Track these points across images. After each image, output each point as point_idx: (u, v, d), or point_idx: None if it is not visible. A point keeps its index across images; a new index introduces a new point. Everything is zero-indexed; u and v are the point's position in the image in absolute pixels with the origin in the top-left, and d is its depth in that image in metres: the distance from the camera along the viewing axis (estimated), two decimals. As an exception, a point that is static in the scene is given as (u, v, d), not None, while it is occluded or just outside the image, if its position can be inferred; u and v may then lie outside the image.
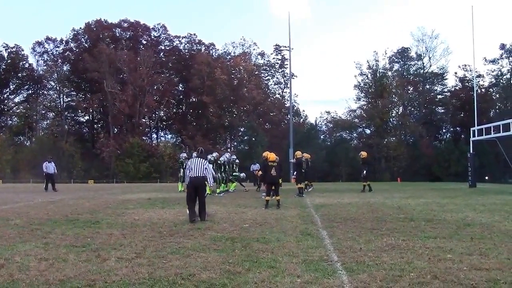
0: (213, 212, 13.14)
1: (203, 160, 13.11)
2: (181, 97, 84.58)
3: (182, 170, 25.93)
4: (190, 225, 11.57)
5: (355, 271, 6.61)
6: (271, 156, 17.33)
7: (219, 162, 24.86)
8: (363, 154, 27.04)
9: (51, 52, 79.92)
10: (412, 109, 78.19)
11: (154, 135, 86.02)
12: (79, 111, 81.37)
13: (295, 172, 23.82)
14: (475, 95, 40.64)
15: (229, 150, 70.40)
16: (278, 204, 16.35)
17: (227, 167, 25.76)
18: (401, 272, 6.53)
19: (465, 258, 7.40)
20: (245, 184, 29.81)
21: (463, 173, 44.81)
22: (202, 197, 12.73)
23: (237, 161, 28.19)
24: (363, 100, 77.27)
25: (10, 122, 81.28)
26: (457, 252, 7.95)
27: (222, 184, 25.04)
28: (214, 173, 23.45)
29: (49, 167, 29.58)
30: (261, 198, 20.50)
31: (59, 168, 67.55)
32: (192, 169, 12.70)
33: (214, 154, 25.54)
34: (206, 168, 12.83)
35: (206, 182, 13.18)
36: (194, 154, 17.50)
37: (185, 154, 27.63)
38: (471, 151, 35.75)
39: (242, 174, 29.40)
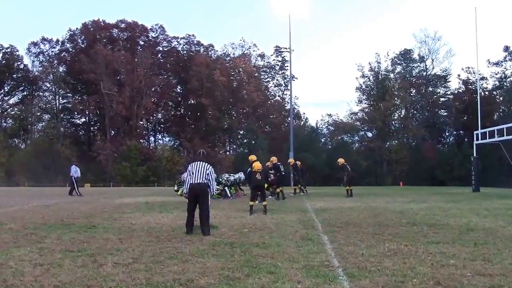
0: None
1: (206, 164, 11.57)
2: (179, 99, 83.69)
3: None
4: (188, 230, 11.35)
5: (356, 277, 6.61)
6: (257, 165, 17.39)
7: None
8: (340, 161, 26.86)
9: (46, 53, 79.46)
10: (415, 112, 77.38)
11: (152, 138, 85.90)
12: (75, 113, 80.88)
13: (273, 177, 23.46)
14: (478, 98, 40.22)
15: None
16: (265, 209, 16.06)
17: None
18: (404, 278, 6.54)
19: (469, 264, 7.41)
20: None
21: (466, 177, 44.07)
22: (204, 207, 11.28)
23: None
24: (365, 103, 76.77)
25: (5, 124, 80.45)
26: (460, 257, 7.95)
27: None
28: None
29: (78, 171, 29.32)
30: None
31: (54, 171, 68.42)
32: (193, 174, 11.29)
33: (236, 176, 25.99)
34: (209, 173, 11.36)
35: (208, 190, 11.64)
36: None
37: None
38: (475, 155, 35.45)
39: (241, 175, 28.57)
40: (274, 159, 24.36)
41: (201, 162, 11.54)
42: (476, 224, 12.46)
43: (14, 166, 68.88)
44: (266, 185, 20.37)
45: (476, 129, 36.28)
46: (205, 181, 11.28)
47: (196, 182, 11.22)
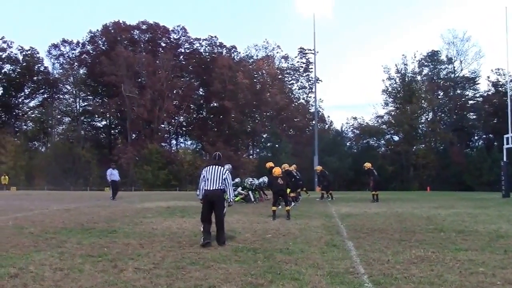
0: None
1: (221, 168, 10.61)
2: (202, 102, 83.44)
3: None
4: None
5: (382, 284, 6.60)
6: (277, 170, 17.05)
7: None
8: (366, 165, 26.31)
9: (67, 55, 79.72)
10: (442, 115, 76.39)
11: (174, 141, 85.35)
12: (96, 116, 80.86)
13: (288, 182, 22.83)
14: (508, 100, 38.93)
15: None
16: (288, 215, 15.53)
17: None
18: (431, 285, 6.51)
19: (498, 272, 7.25)
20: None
21: (495, 182, 44.19)
22: (220, 215, 10.34)
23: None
24: (391, 106, 75.60)
25: (25, 127, 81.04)
26: (490, 265, 7.81)
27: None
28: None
29: (115, 174, 29.13)
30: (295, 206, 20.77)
31: (74, 175, 68.48)
32: (208, 179, 10.32)
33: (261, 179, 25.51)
34: (225, 178, 10.39)
35: (225, 196, 10.73)
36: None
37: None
38: (505, 159, 34.57)
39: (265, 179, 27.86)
40: (285, 166, 23.87)
41: (217, 166, 10.59)
42: (507, 231, 12.16)
43: (34, 169, 69.11)
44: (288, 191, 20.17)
45: (506, 133, 35.51)
46: (221, 187, 10.37)
47: (211, 188, 10.30)
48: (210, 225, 10.19)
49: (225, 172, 10.48)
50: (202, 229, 10.18)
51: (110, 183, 28.94)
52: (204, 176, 10.43)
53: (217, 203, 10.30)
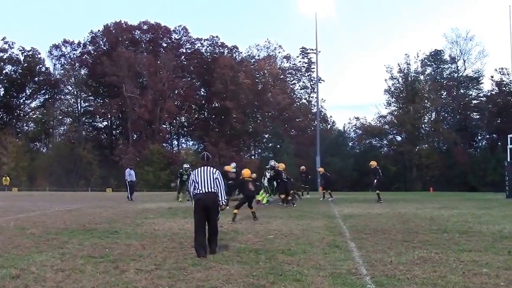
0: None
1: (213, 169, 9.65)
2: (203, 102, 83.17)
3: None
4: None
5: (385, 285, 6.57)
6: (246, 172, 16.93)
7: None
8: (372, 163, 26.17)
9: (68, 55, 79.86)
10: (446, 115, 76.35)
11: (175, 142, 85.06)
12: (97, 116, 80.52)
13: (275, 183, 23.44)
14: None
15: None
16: (254, 215, 15.65)
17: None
18: (434, 286, 6.50)
19: (502, 273, 7.20)
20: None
21: (499, 182, 42.93)
22: (213, 221, 9.43)
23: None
24: (394, 106, 75.35)
25: (26, 128, 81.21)
26: (493, 266, 7.78)
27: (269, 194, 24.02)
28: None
29: (132, 174, 29.30)
30: (283, 206, 21.24)
31: (76, 175, 68.45)
32: (198, 183, 9.35)
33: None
34: (216, 178, 9.49)
35: (219, 201, 9.52)
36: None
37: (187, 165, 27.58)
38: (509, 160, 33.88)
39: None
40: (282, 165, 24.00)
41: (206, 168, 9.65)
42: (510, 232, 12.11)
43: (36, 170, 69.17)
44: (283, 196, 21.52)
45: (510, 133, 35.08)
46: (214, 190, 9.43)
47: (203, 192, 9.35)
48: (204, 237, 9.23)
49: (216, 172, 9.61)
50: (194, 242, 9.19)
51: (128, 183, 28.82)
52: (193, 180, 9.48)
53: (212, 208, 9.38)
